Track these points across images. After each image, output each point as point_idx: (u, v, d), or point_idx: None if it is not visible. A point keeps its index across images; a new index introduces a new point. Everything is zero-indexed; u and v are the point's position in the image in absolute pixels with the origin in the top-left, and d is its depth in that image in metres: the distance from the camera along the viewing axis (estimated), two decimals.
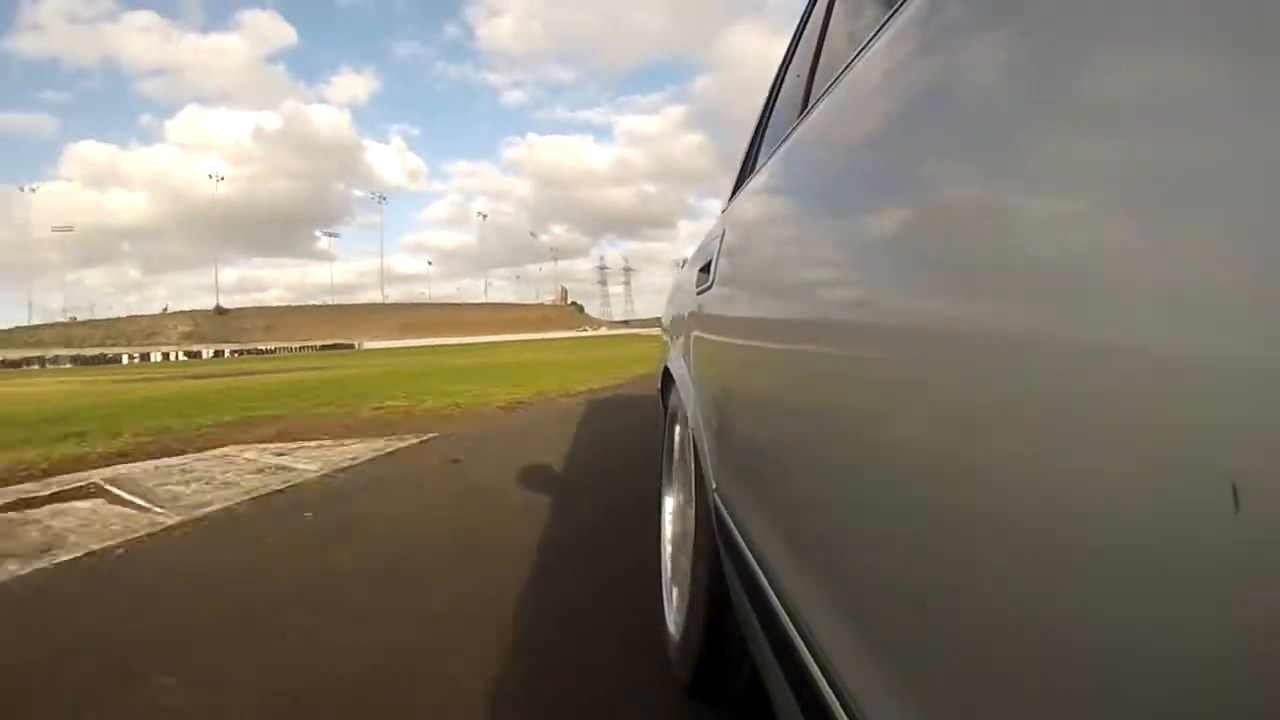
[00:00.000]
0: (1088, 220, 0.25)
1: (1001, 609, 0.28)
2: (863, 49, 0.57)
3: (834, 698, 0.42)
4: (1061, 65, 0.28)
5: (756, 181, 1.02)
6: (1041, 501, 0.25)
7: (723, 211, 1.39)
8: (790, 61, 1.19)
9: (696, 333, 1.24)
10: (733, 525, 0.79)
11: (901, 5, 0.49)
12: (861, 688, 0.39)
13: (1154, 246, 0.21)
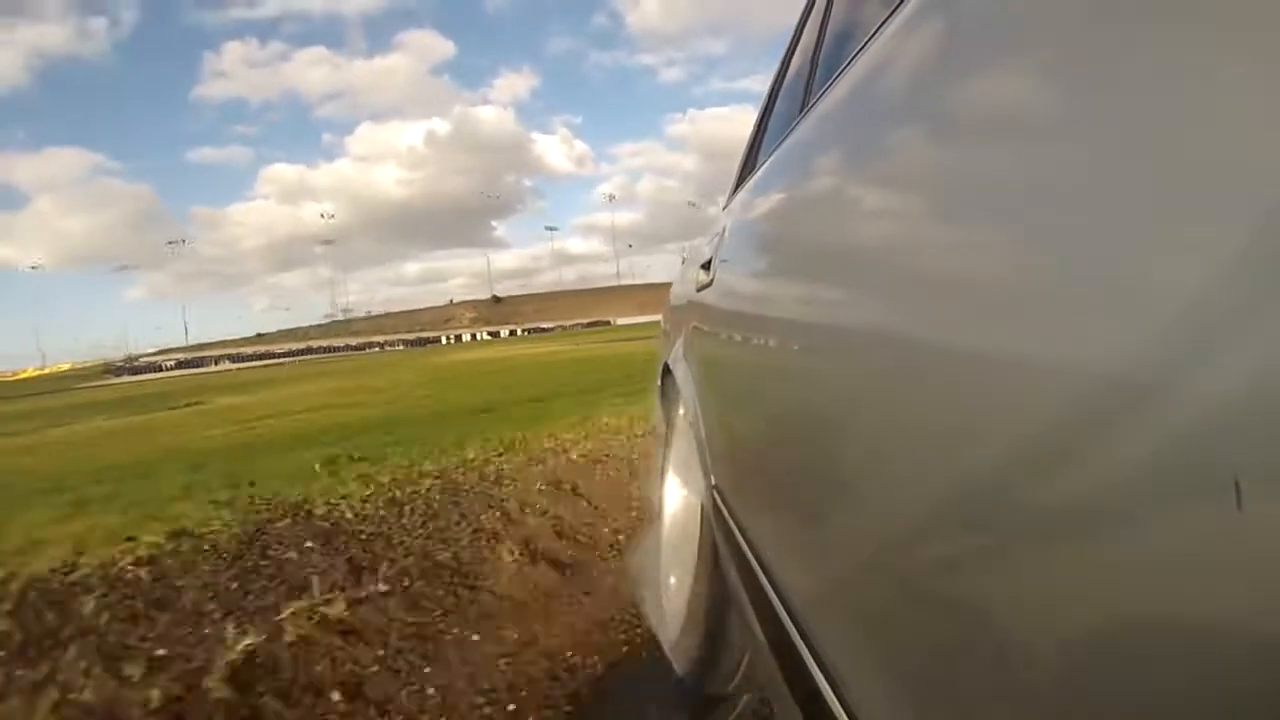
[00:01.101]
0: (1088, 219, 0.25)
1: (1002, 608, 0.28)
2: (863, 47, 0.57)
3: (834, 697, 0.42)
4: (1062, 64, 0.28)
5: (757, 179, 1.02)
6: (1042, 499, 0.25)
7: (723, 208, 1.38)
8: (791, 59, 1.18)
9: (696, 330, 1.24)
10: (731, 522, 0.79)
11: (901, 3, 0.49)
12: (862, 688, 0.39)
13: (1153, 245, 0.21)
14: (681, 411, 1.34)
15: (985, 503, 0.29)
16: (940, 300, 0.35)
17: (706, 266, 1.18)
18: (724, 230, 1.12)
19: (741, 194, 1.16)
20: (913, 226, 0.40)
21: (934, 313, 0.36)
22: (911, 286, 0.39)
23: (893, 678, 0.36)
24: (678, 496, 1.49)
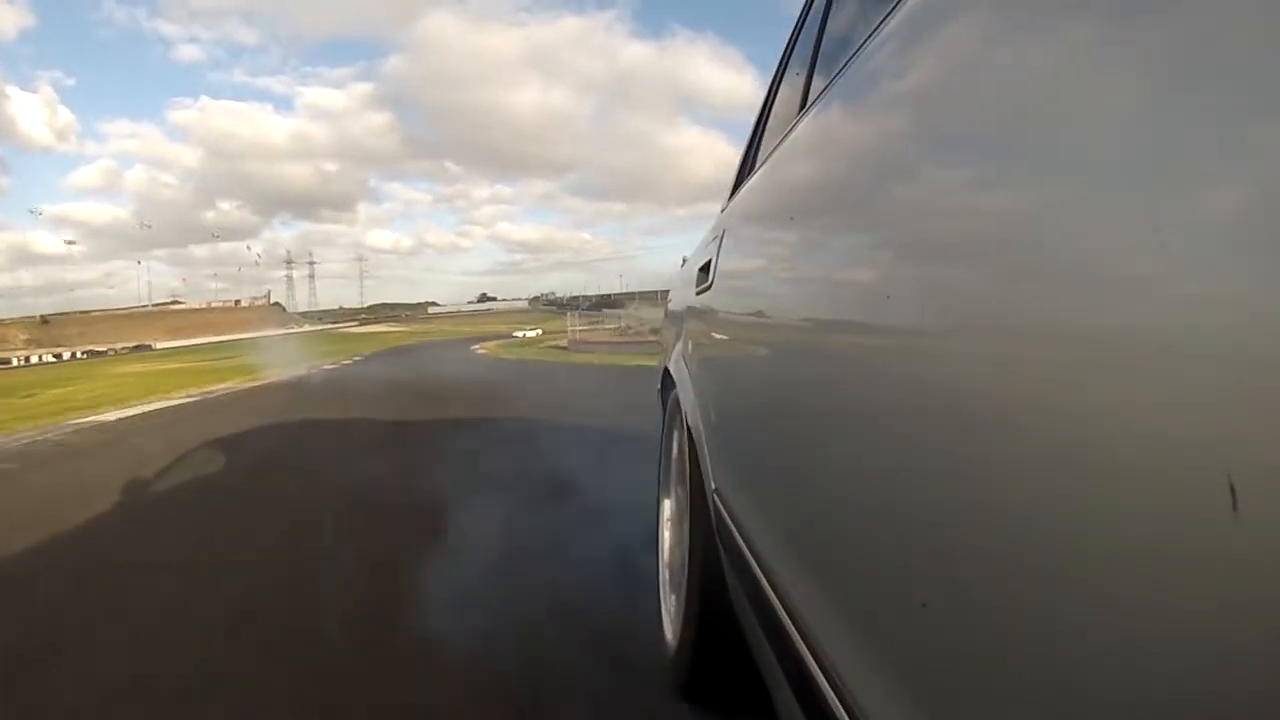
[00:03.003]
0: (1087, 219, 0.25)
1: (1001, 608, 0.27)
2: (860, 48, 0.57)
3: (834, 697, 0.42)
4: (1059, 63, 0.28)
5: (755, 180, 1.02)
6: (1041, 501, 0.25)
7: (722, 211, 1.39)
8: (789, 60, 1.19)
9: (696, 332, 1.24)
10: (732, 524, 0.79)
11: (899, 4, 0.49)
12: (862, 688, 0.39)
13: (1152, 246, 0.21)
14: (681, 414, 1.34)
15: (985, 503, 0.29)
16: (940, 300, 0.35)
17: (706, 269, 1.18)
18: (723, 233, 1.12)
19: (740, 195, 1.16)
20: (912, 226, 0.40)
21: (934, 313, 0.36)
22: (912, 287, 0.39)
23: (894, 678, 0.36)
24: (677, 498, 1.49)
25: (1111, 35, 0.25)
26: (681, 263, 1.86)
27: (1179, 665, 0.19)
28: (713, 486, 0.95)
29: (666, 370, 1.68)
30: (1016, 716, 0.27)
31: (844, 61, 0.62)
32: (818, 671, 0.45)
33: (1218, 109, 0.20)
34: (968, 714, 0.30)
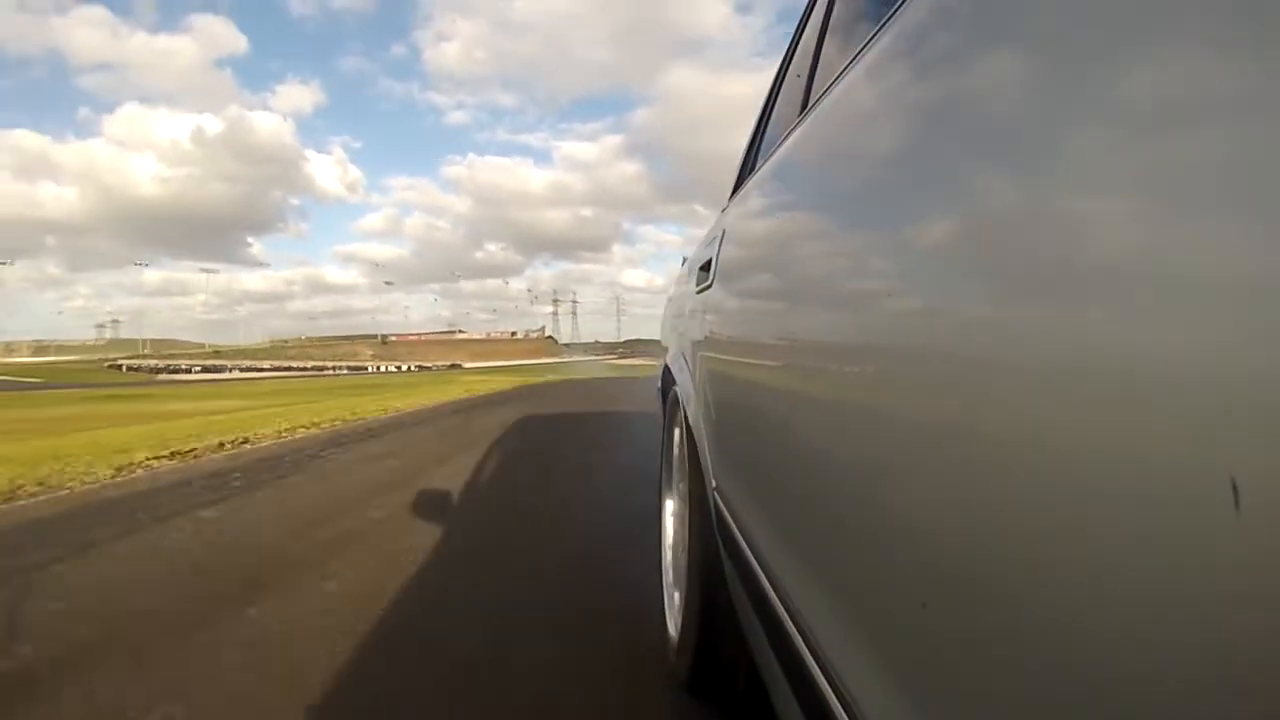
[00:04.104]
0: (1087, 219, 0.25)
1: (1002, 609, 0.28)
2: (863, 49, 0.57)
3: (834, 697, 0.42)
4: (1061, 65, 0.28)
5: (756, 180, 1.02)
6: (1042, 501, 0.25)
7: (723, 210, 1.38)
8: (790, 61, 1.18)
9: (697, 331, 1.24)
10: (732, 523, 0.79)
11: (901, 5, 0.49)
12: (862, 688, 0.39)
13: (1151, 246, 0.21)
14: (682, 413, 1.34)
15: (986, 503, 0.29)
16: (941, 300, 0.35)
17: (706, 268, 1.18)
18: (723, 233, 1.12)
19: (741, 195, 1.16)
20: (913, 227, 0.40)
21: (934, 313, 0.36)
22: (912, 287, 0.39)
23: (894, 678, 0.36)
24: (678, 497, 1.49)
25: (1113, 35, 0.25)
26: (682, 262, 1.86)
27: (1180, 665, 0.19)
28: (713, 484, 0.95)
29: (667, 368, 1.68)
30: (1017, 716, 0.27)
31: (845, 62, 0.62)
32: (817, 671, 0.45)
33: (1221, 108, 0.20)
34: (968, 714, 0.30)
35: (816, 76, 0.87)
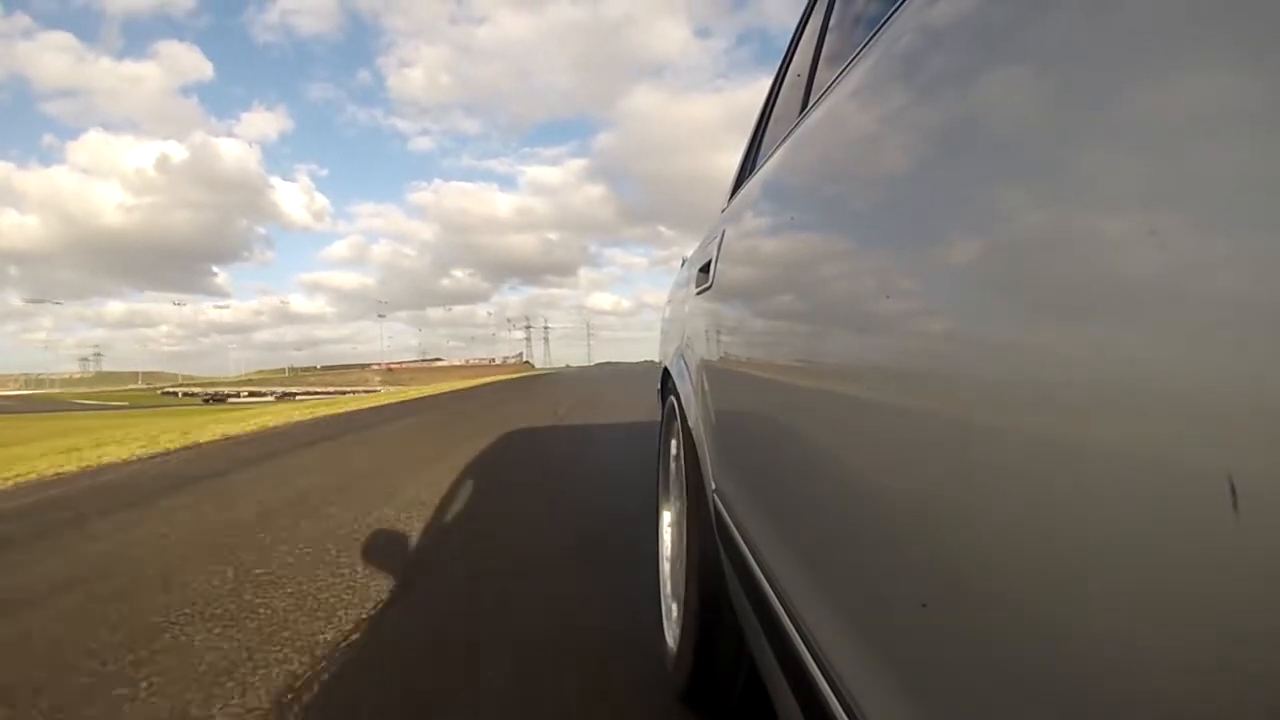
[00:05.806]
0: (1087, 220, 0.25)
1: (1002, 609, 0.27)
2: (862, 48, 0.57)
3: (834, 698, 0.42)
4: (1061, 65, 0.28)
5: (756, 181, 1.02)
6: (1041, 501, 0.25)
7: (722, 211, 1.38)
8: (790, 61, 1.18)
9: (695, 332, 1.23)
10: (732, 525, 0.79)
11: (900, 5, 0.49)
12: (862, 688, 0.39)
13: (1151, 246, 0.21)
14: (681, 414, 1.33)
15: (986, 503, 0.29)
16: (940, 302, 0.35)
17: (705, 269, 1.18)
18: (723, 233, 1.12)
19: (741, 195, 1.16)
20: (913, 228, 0.40)
21: (933, 314, 0.36)
22: (911, 289, 0.39)
23: (894, 679, 0.36)
24: (677, 498, 1.49)
25: (1115, 35, 0.25)
26: (681, 263, 1.86)
27: (1180, 665, 0.19)
28: (713, 486, 0.95)
29: (666, 370, 1.68)
30: (1016, 717, 0.27)
31: (845, 63, 0.62)
32: (817, 672, 0.45)
33: (1221, 108, 0.20)
34: (968, 714, 0.30)
35: (816, 77, 0.87)
